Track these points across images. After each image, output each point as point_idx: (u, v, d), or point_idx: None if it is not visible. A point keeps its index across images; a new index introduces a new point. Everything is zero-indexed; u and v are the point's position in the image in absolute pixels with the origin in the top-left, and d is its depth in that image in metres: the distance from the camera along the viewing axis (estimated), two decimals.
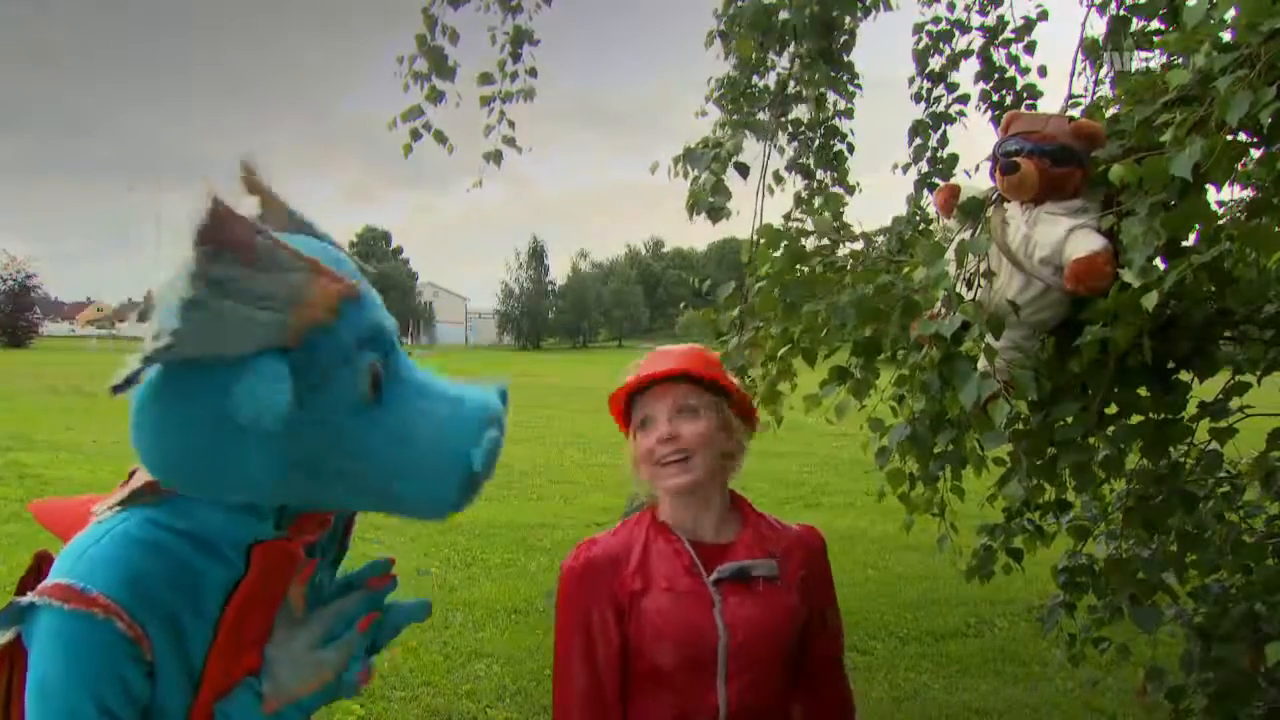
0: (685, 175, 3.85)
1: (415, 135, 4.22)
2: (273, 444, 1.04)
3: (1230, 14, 1.85)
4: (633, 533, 1.57)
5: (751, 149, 4.03)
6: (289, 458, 1.07)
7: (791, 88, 4.29)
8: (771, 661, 1.51)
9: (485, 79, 4.41)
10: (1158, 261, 1.89)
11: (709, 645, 1.47)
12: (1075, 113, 2.42)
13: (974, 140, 4.25)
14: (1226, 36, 1.88)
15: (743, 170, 3.81)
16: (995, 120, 4.14)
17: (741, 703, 1.48)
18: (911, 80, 4.31)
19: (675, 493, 1.54)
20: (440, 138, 4.27)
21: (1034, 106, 4.03)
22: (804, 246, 2.69)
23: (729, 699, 1.47)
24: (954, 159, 4.16)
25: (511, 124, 4.46)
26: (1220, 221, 1.93)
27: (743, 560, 1.52)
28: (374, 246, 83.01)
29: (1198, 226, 1.88)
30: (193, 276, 0.96)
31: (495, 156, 4.45)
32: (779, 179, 4.37)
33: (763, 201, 4.13)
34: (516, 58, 4.40)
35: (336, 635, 1.21)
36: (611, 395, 1.59)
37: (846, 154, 4.48)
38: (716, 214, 3.68)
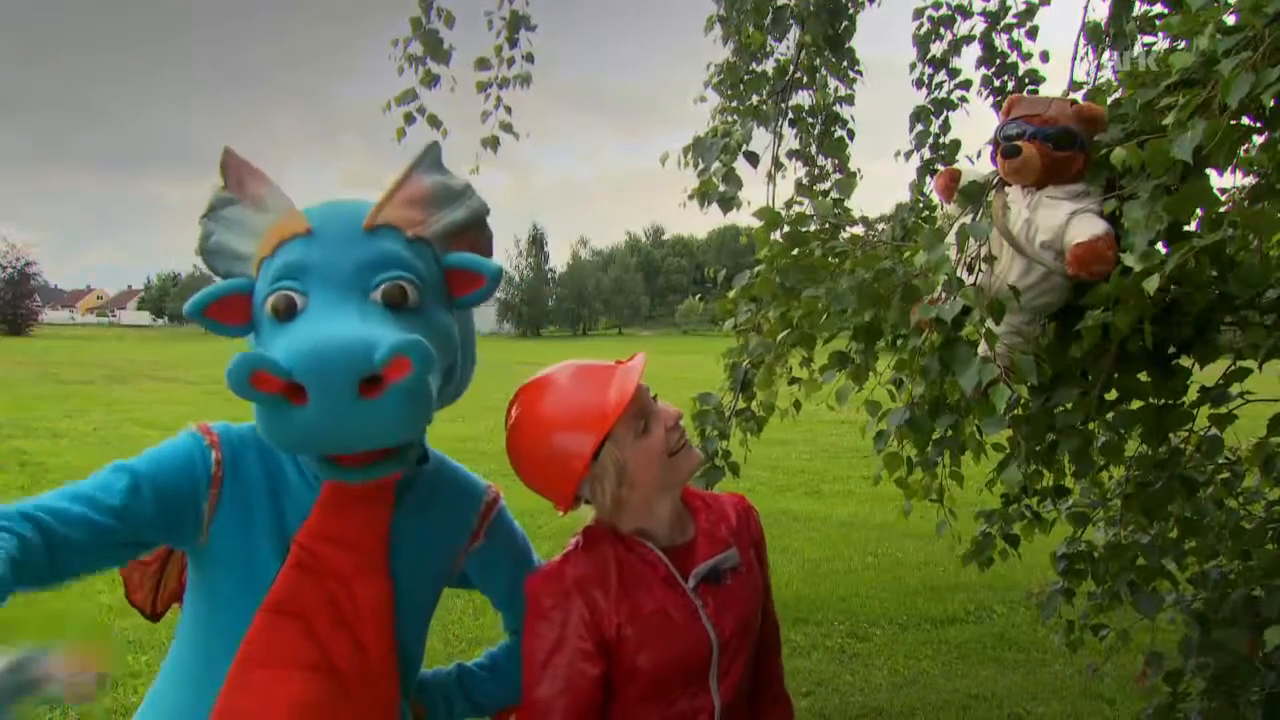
0: (695, 166, 3.84)
1: (409, 119, 4.20)
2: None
3: None
4: (599, 553, 1.47)
5: (760, 138, 4.02)
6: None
7: (792, 73, 4.27)
8: (752, 647, 1.53)
9: (482, 64, 4.39)
10: (1159, 246, 1.88)
11: (703, 652, 1.45)
12: (1078, 97, 2.41)
13: (976, 126, 4.23)
14: (1230, 19, 1.86)
15: (752, 159, 3.80)
16: (997, 106, 4.12)
17: (732, 695, 1.48)
18: (913, 66, 4.29)
19: (694, 469, 1.49)
20: (434, 121, 4.25)
21: (1036, 92, 4.01)
22: (803, 230, 2.67)
23: (722, 694, 1.46)
24: (956, 145, 4.14)
25: (509, 109, 4.45)
26: (1222, 208, 1.92)
27: (712, 558, 1.48)
28: None
29: (1199, 211, 1.87)
30: (205, 209, 1.36)
31: (492, 142, 4.43)
32: (779, 165, 4.36)
33: (772, 189, 4.14)
34: (513, 43, 4.38)
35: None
36: (600, 422, 1.40)
37: (848, 140, 4.46)
38: (728, 204, 3.68)
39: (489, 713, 1.62)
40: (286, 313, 1.24)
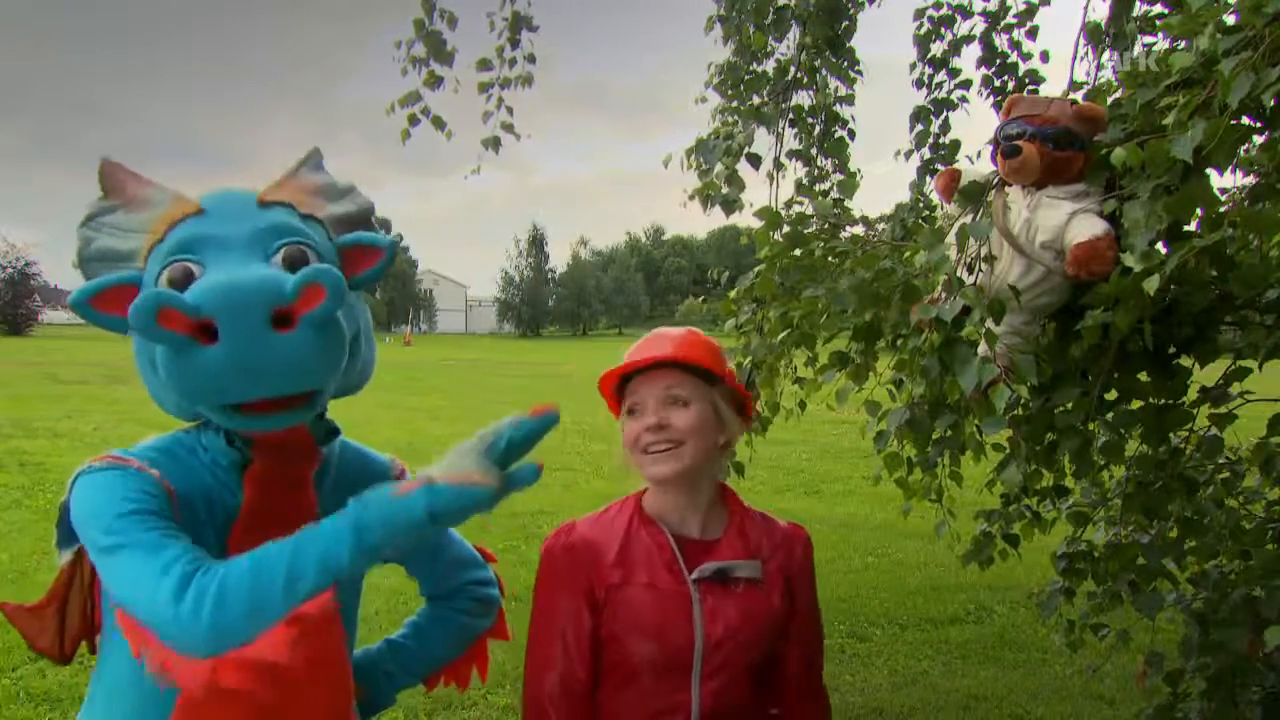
0: (697, 168, 3.84)
1: (413, 120, 4.21)
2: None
3: None
4: (616, 520, 1.52)
5: (762, 139, 4.02)
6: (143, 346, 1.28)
7: (793, 74, 4.27)
8: (747, 664, 1.49)
9: (484, 65, 4.39)
10: (1159, 246, 1.88)
11: (685, 645, 1.44)
12: (1078, 97, 2.41)
13: (976, 126, 4.24)
14: (1230, 19, 1.86)
15: (754, 161, 3.80)
16: (997, 106, 4.12)
17: (714, 704, 1.46)
18: (913, 66, 4.29)
19: (658, 481, 1.49)
20: (439, 123, 4.26)
21: (1036, 92, 4.01)
22: (803, 230, 2.68)
23: (702, 699, 1.45)
24: (956, 145, 4.14)
25: (510, 110, 4.45)
26: (1222, 208, 1.93)
27: (725, 560, 1.48)
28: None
29: (1199, 211, 1.87)
30: (84, 218, 1.33)
31: (494, 143, 4.43)
32: (780, 166, 4.36)
33: (775, 189, 4.14)
34: (515, 44, 4.38)
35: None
36: (602, 377, 1.53)
37: (848, 140, 4.46)
38: (730, 206, 3.68)
39: (423, 678, 1.68)
40: (184, 284, 1.21)
